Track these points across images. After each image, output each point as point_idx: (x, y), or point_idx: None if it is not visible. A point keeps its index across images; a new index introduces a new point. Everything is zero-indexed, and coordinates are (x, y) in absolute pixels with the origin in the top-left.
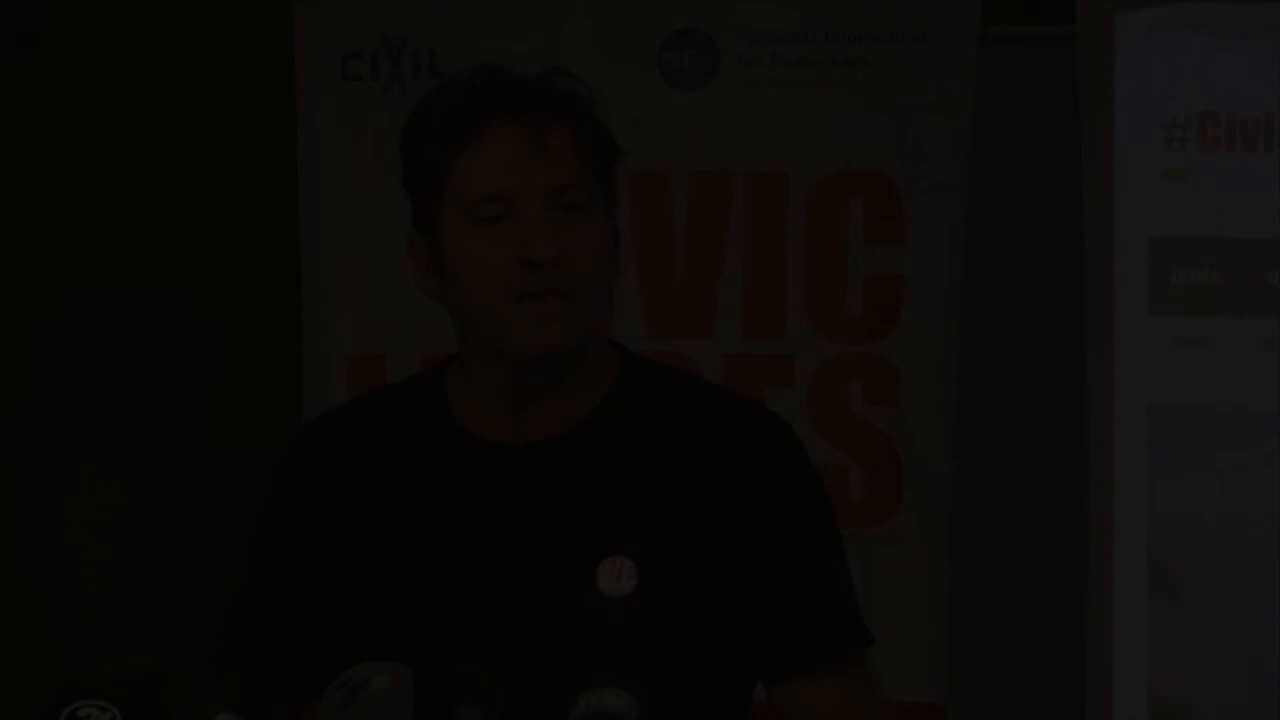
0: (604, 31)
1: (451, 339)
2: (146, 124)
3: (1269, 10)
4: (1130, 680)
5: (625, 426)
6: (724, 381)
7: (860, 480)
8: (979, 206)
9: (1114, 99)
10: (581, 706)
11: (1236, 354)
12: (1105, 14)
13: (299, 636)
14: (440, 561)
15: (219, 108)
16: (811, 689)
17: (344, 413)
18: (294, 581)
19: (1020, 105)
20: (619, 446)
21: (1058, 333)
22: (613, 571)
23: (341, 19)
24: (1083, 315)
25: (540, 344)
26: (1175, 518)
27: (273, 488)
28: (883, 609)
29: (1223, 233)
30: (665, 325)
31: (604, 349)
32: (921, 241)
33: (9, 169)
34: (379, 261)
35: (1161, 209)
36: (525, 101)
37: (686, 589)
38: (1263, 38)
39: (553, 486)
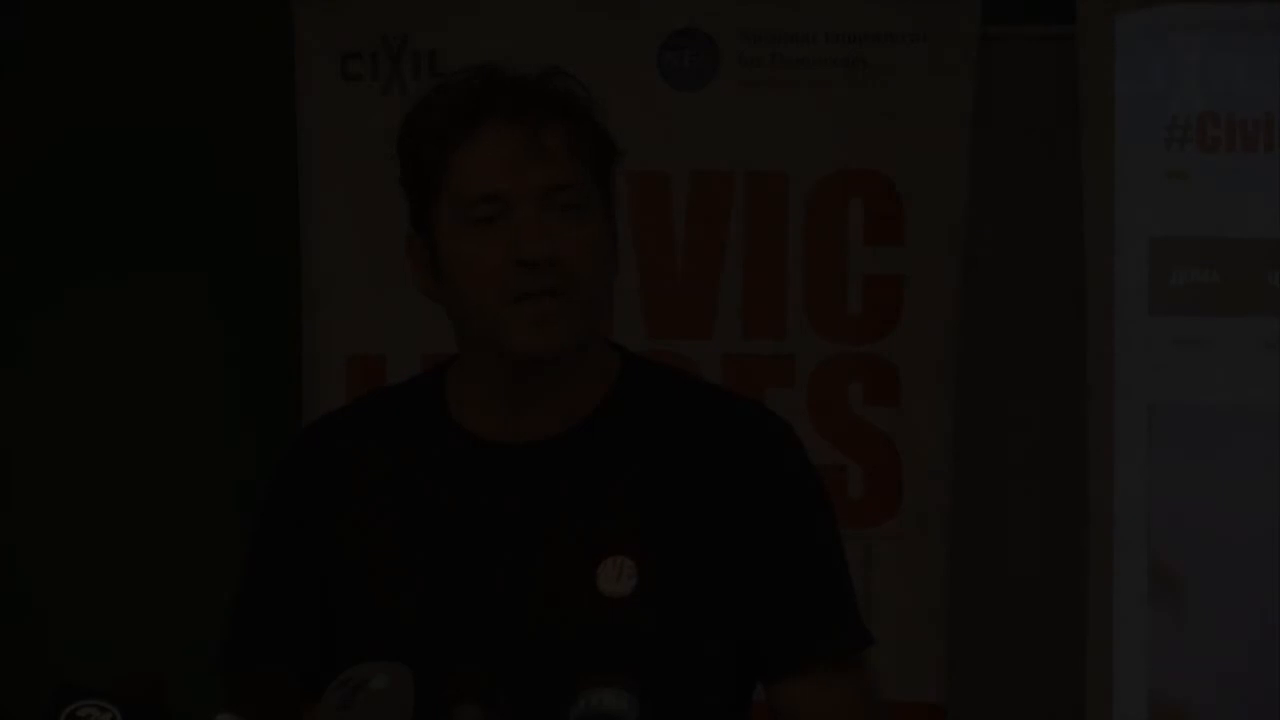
0: (604, 31)
1: (451, 339)
2: (146, 124)
3: (1269, 10)
4: (1130, 680)
5: (625, 426)
6: (724, 381)
7: (860, 480)
8: (979, 206)
9: (1114, 99)
10: (581, 706)
11: (1236, 354)
12: (1105, 14)
13: (299, 637)
14: (440, 562)
15: (219, 108)
16: (811, 689)
17: (343, 414)
18: (294, 582)
19: (1020, 105)
20: (619, 446)
21: (1058, 333)
22: (613, 571)
23: (341, 19)
24: (1083, 315)
25: (537, 345)
26: (1175, 518)
27: (273, 488)
28: (883, 609)
29: (1223, 233)
30: (665, 325)
31: (604, 349)
32: (921, 241)
33: (8, 169)
34: (379, 261)
35: (1161, 209)
36: (522, 101)
37: (686, 589)
38: (1263, 38)
39: (553, 486)
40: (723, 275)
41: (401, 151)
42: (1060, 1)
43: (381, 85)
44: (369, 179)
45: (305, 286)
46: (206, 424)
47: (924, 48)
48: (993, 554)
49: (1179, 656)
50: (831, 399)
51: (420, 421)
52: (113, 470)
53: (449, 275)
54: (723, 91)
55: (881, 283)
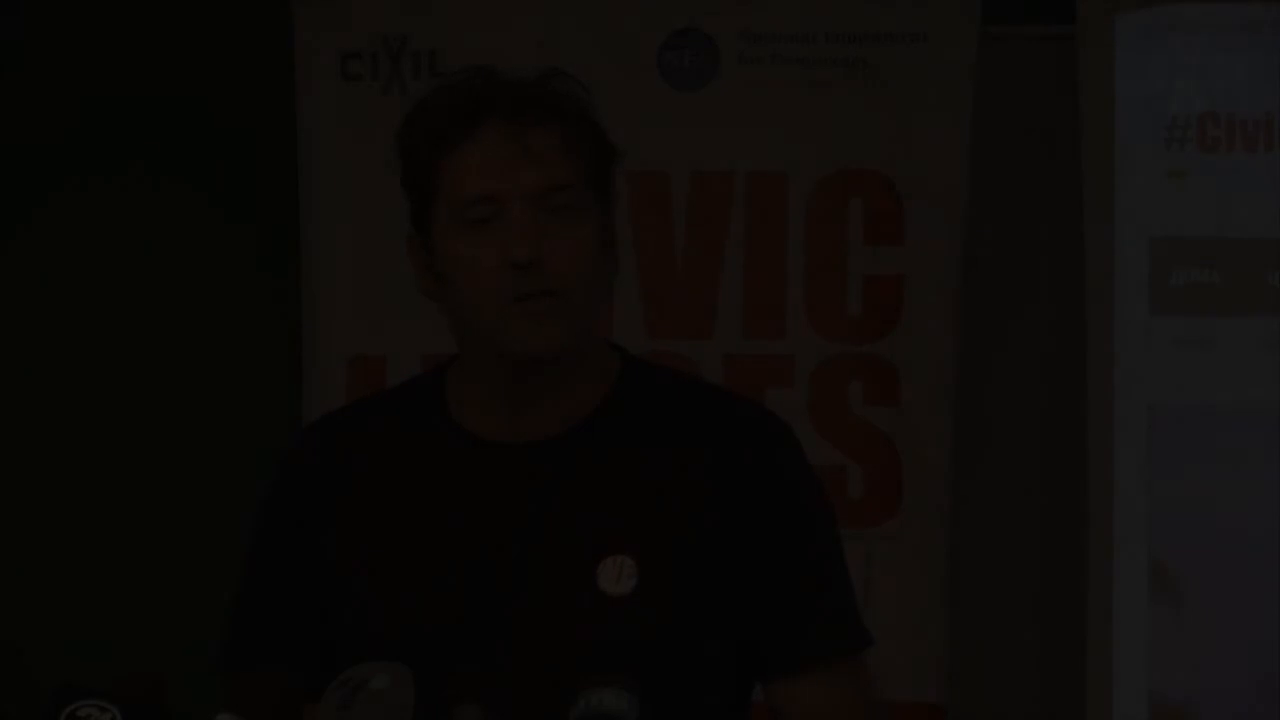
0: (604, 31)
1: (451, 339)
2: (146, 123)
3: (1269, 10)
4: (1130, 680)
5: (625, 426)
6: (724, 381)
7: (860, 480)
8: (979, 206)
9: (1114, 99)
10: (581, 706)
11: (1236, 354)
12: (1105, 14)
13: (299, 637)
14: (440, 561)
15: (219, 108)
16: (810, 689)
17: (343, 414)
18: (293, 582)
19: (1020, 105)
20: (619, 446)
21: (1058, 333)
22: (613, 571)
23: (341, 19)
24: (1083, 315)
25: (534, 345)
26: (1175, 518)
27: (272, 488)
28: (883, 609)
29: (1223, 233)
30: (665, 325)
31: (603, 350)
32: (921, 241)
33: (8, 169)
34: (379, 261)
35: (1161, 209)
36: (519, 103)
37: (686, 589)
38: (1263, 38)
39: (553, 486)
40: (723, 275)
41: (400, 152)
42: (1060, 1)
43: (381, 85)
44: (369, 179)
45: (305, 286)
46: (206, 424)
47: (924, 48)
48: (993, 554)
49: (1179, 656)
50: (831, 399)
51: (420, 421)
52: (113, 470)
53: (447, 276)
54: (723, 91)
55: (881, 283)
